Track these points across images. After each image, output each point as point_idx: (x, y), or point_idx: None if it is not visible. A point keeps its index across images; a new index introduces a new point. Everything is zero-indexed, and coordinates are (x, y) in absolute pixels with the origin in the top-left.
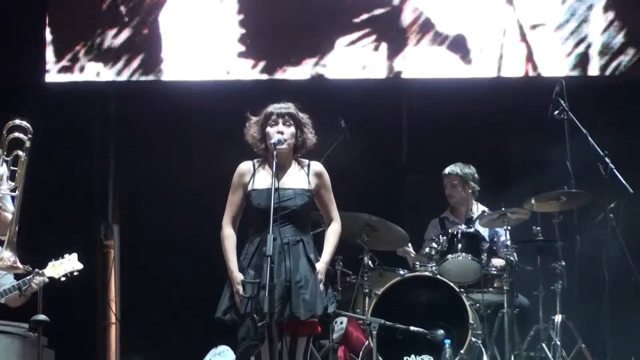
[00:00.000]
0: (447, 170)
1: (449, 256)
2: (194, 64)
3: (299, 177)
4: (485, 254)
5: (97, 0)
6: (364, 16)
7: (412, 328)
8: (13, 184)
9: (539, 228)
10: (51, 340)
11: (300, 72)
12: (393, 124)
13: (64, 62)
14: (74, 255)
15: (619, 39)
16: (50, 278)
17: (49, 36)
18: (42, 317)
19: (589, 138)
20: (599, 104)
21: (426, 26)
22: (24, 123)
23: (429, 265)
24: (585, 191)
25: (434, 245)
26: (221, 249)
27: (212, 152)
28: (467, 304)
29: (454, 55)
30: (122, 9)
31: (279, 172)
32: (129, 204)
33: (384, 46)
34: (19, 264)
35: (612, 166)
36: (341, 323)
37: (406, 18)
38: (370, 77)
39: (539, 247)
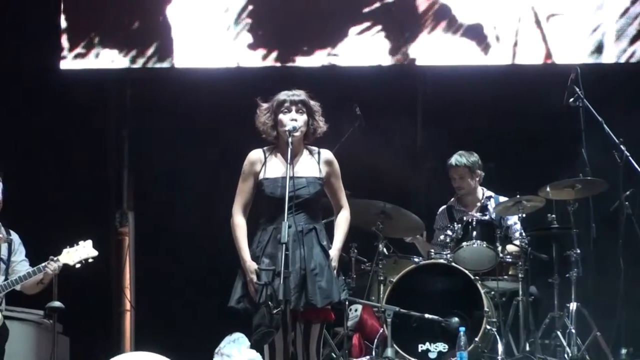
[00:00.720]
0: (453, 161)
1: (464, 244)
2: (207, 52)
3: (311, 165)
4: (500, 242)
5: None
6: (377, 4)
7: (426, 316)
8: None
9: (554, 216)
10: (66, 327)
11: (312, 60)
12: (408, 112)
13: (79, 49)
14: (89, 242)
15: (635, 26)
16: (65, 265)
17: (63, 23)
18: (57, 304)
19: (604, 125)
20: (614, 91)
21: (441, 13)
22: None
23: (444, 252)
24: (601, 179)
25: (449, 232)
26: (232, 236)
27: (226, 139)
28: (482, 291)
29: (468, 42)
30: None
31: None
32: (143, 191)
33: (398, 33)
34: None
35: (628, 154)
36: (356, 311)
37: (421, 5)
38: (385, 64)
39: (554, 235)
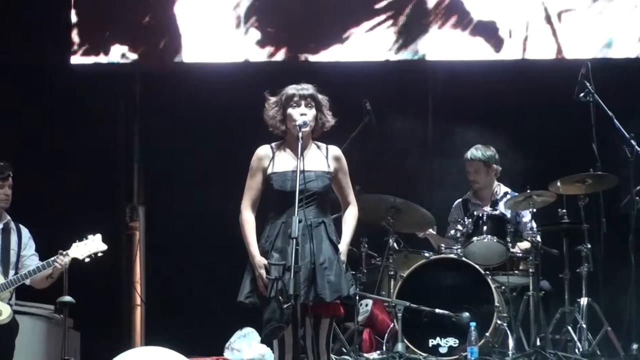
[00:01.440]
0: (468, 155)
1: (475, 238)
2: (216, 48)
3: (319, 160)
4: (511, 237)
5: None
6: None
7: (437, 310)
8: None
9: (564, 211)
10: (77, 321)
11: (321, 56)
12: (418, 106)
13: (89, 44)
14: (98, 236)
15: None
16: (74, 259)
17: (74, 18)
18: (67, 298)
19: (615, 120)
20: (624, 86)
21: (451, 8)
22: None
23: (455, 247)
24: (611, 174)
25: (459, 227)
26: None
27: (236, 133)
28: (492, 286)
29: (478, 38)
30: None
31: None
32: (154, 185)
33: (408, 29)
34: None
35: (638, 149)
36: (366, 305)
37: (431, 0)
38: (395, 59)
39: (564, 230)
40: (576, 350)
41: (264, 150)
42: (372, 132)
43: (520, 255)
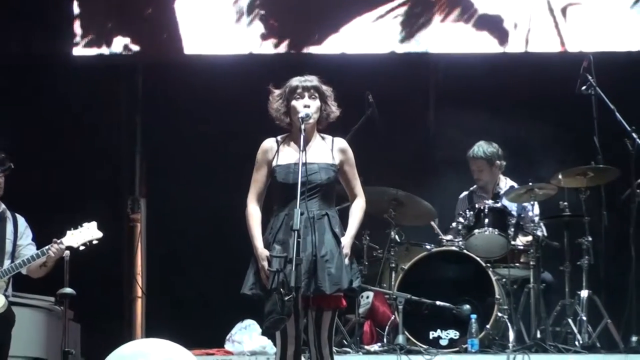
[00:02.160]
0: (471, 153)
1: (476, 231)
2: (219, 41)
3: (323, 152)
4: (513, 229)
5: None
6: None
7: (438, 303)
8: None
9: (566, 203)
10: (77, 313)
11: (324, 48)
12: (421, 99)
13: (91, 36)
14: (93, 224)
15: None
16: (69, 247)
17: (76, 9)
18: (68, 290)
19: (617, 113)
20: (626, 79)
21: (455, 1)
22: None
23: (456, 240)
24: (612, 167)
25: (461, 220)
26: (246, 225)
27: (239, 126)
28: (493, 279)
29: (481, 31)
30: None
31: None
32: (155, 177)
33: (410, 21)
34: None
35: (639, 142)
36: (367, 298)
37: None
38: (398, 51)
39: (565, 223)
40: (576, 343)
41: (268, 143)
42: (375, 125)
43: (521, 247)
